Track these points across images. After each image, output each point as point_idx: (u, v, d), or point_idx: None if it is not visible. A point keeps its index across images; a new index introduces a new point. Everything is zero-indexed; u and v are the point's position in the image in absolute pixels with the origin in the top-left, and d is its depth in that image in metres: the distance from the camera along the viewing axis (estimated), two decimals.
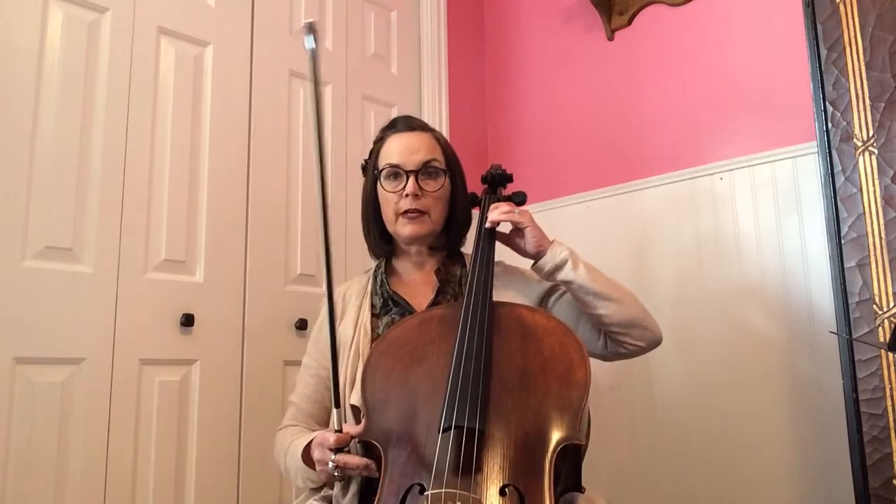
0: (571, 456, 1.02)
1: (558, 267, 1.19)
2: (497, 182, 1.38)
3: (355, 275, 1.44)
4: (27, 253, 1.48)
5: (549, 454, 0.94)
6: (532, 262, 1.24)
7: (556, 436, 0.96)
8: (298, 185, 1.99)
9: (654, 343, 1.23)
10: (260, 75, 1.94)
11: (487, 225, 1.24)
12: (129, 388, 1.59)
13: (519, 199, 1.33)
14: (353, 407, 1.15)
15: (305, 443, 1.13)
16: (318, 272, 2.00)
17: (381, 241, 1.31)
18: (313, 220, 2.01)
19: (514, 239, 1.25)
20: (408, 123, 1.33)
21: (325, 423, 1.26)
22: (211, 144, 1.81)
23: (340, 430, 1.01)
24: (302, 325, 1.90)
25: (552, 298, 1.30)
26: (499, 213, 1.22)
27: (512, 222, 1.22)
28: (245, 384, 1.78)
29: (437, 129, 1.41)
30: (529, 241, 1.22)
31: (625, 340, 1.21)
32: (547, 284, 1.29)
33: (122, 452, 1.56)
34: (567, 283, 1.20)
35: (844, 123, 1.41)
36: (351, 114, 2.17)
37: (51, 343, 1.49)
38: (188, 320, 1.68)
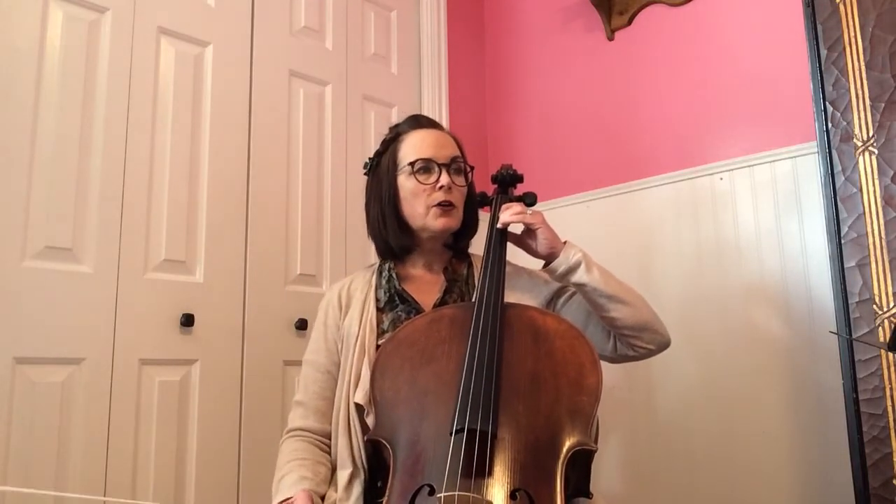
0: (582, 462, 1.01)
1: (572, 269, 1.18)
2: (508, 182, 1.37)
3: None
4: (27, 253, 1.48)
5: (560, 459, 0.94)
6: (543, 263, 1.23)
7: (567, 441, 0.96)
8: (298, 185, 1.99)
9: (663, 346, 1.23)
10: (260, 75, 1.94)
11: (499, 225, 1.23)
12: (128, 387, 1.58)
13: (530, 200, 1.32)
14: (357, 405, 1.15)
15: (281, 499, 1.09)
16: (318, 272, 2.00)
17: (400, 235, 1.26)
18: (313, 220, 2.01)
19: (525, 240, 1.24)
20: (430, 121, 1.33)
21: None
22: (211, 144, 1.80)
23: None
24: (302, 325, 1.90)
25: (560, 300, 1.29)
26: (511, 214, 1.21)
27: (524, 223, 1.22)
28: (245, 384, 1.78)
29: None
30: (542, 243, 1.21)
31: (636, 343, 1.21)
32: (555, 286, 1.28)
33: (122, 452, 1.55)
34: (580, 285, 1.19)
35: (844, 123, 1.41)
36: (351, 114, 2.17)
37: (51, 343, 1.49)
38: (188, 320, 1.68)
